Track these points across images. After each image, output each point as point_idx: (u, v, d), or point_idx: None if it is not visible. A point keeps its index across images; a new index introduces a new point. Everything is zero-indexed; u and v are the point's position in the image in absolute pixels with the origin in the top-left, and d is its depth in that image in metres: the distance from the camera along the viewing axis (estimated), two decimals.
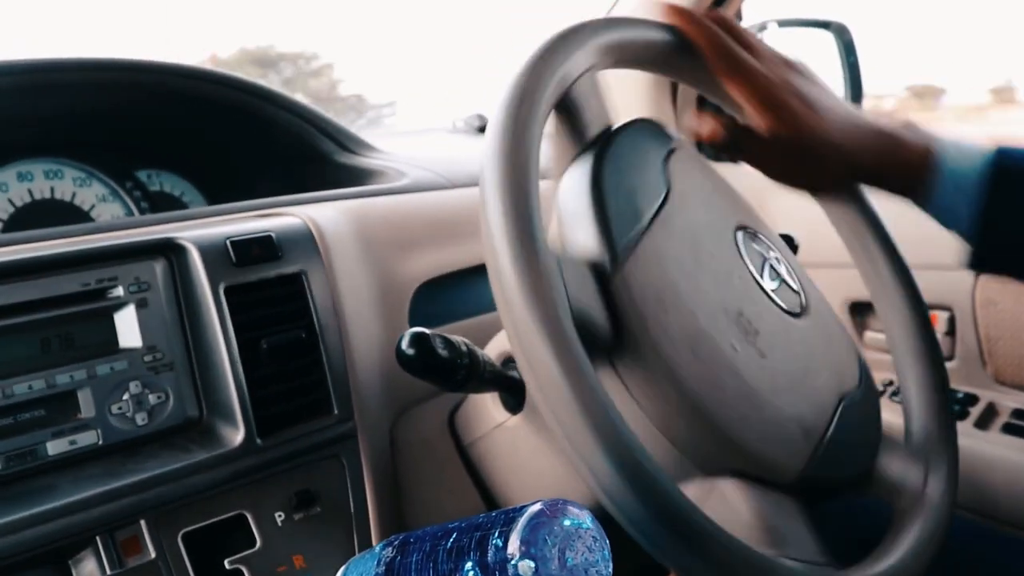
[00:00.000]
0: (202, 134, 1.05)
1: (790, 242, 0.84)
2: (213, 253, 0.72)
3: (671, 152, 0.67)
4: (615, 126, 0.65)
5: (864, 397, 0.68)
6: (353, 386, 0.76)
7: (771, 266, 0.67)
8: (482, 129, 1.37)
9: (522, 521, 0.43)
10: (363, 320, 0.79)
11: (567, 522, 0.44)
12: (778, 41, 1.43)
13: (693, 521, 0.48)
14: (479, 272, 0.90)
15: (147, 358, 0.70)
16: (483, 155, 0.53)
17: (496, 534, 0.44)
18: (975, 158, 0.66)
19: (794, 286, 0.69)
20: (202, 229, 0.74)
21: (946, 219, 0.68)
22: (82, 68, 0.90)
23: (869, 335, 1.26)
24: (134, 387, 0.69)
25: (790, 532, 0.57)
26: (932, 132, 0.68)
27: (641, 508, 0.47)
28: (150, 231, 0.74)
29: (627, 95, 1.37)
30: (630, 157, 0.63)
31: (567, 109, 0.61)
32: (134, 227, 0.76)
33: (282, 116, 1.01)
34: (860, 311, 1.26)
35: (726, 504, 0.58)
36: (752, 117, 0.66)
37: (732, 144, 0.68)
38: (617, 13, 1.34)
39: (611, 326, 0.56)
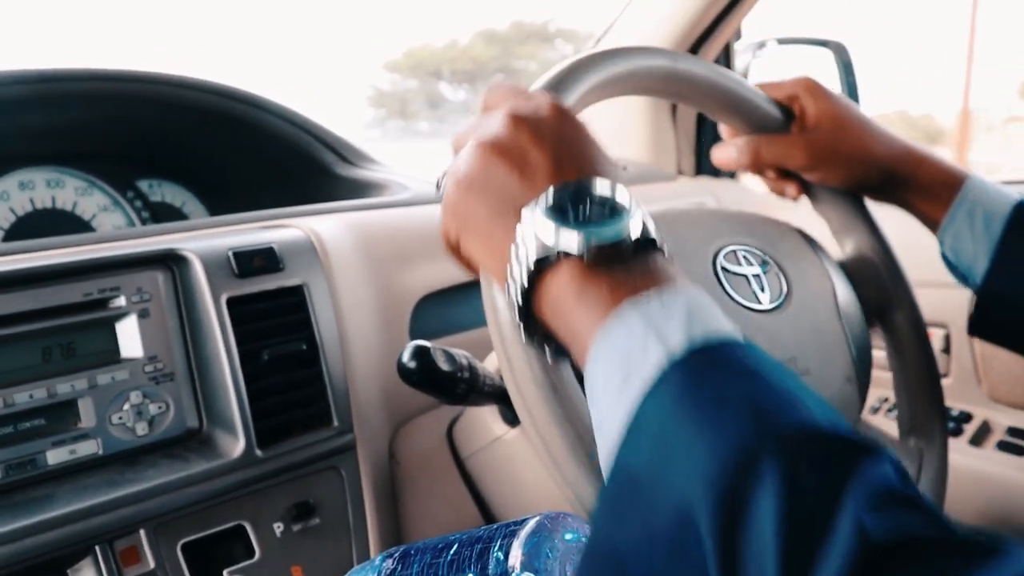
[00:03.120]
0: (204, 145, 1.05)
1: None
2: (215, 264, 0.72)
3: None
4: None
5: (849, 394, 0.68)
6: (353, 398, 0.76)
7: (754, 276, 0.66)
8: None
9: (523, 534, 0.44)
10: (364, 332, 0.79)
11: (568, 535, 0.44)
12: (777, 59, 1.44)
13: None
14: (479, 286, 0.90)
15: (148, 368, 0.70)
16: None
17: (497, 546, 0.44)
18: (1005, 201, 0.67)
19: (768, 275, 0.67)
20: (204, 240, 0.74)
21: (958, 254, 0.69)
22: (85, 79, 0.91)
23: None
24: (135, 397, 0.69)
25: None
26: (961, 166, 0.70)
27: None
28: (152, 241, 0.74)
29: (627, 114, 1.38)
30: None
31: None
32: (136, 237, 0.76)
33: (284, 128, 1.02)
34: None
35: None
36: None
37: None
38: (606, 46, 1.35)
39: None
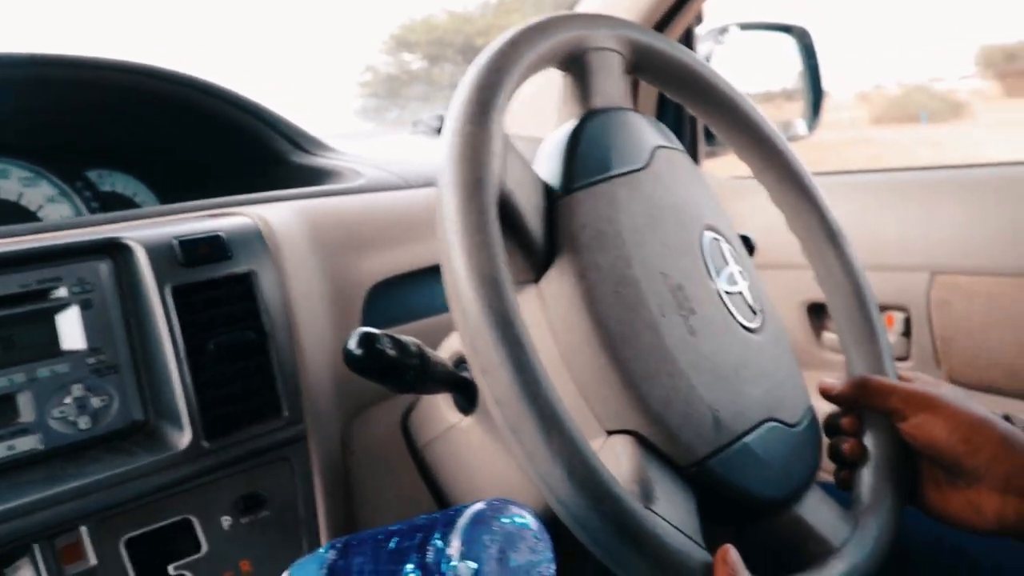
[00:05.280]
0: (155, 134, 1.03)
1: (747, 243, 0.84)
2: (160, 253, 0.70)
3: (666, 146, 0.68)
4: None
5: (801, 437, 0.65)
6: (304, 388, 0.75)
7: (731, 274, 0.66)
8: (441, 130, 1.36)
9: (462, 522, 0.43)
10: (315, 321, 0.78)
11: (508, 522, 0.43)
12: (739, 44, 1.44)
13: (645, 527, 0.48)
14: (434, 272, 0.89)
15: (90, 360, 0.68)
16: (440, 149, 0.54)
17: (437, 535, 0.44)
18: None
19: (752, 303, 0.67)
20: (150, 229, 0.72)
21: None
22: (27, 64, 0.88)
23: (827, 335, 1.27)
24: (77, 390, 0.67)
25: (666, 499, 0.54)
26: None
27: (584, 505, 0.47)
28: (96, 231, 0.72)
29: None
30: (622, 128, 0.65)
31: (579, 73, 0.64)
32: (80, 227, 0.74)
33: (236, 115, 1.00)
34: (818, 312, 1.26)
35: (613, 458, 0.55)
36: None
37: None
38: (583, 9, 1.34)
39: (544, 245, 0.58)
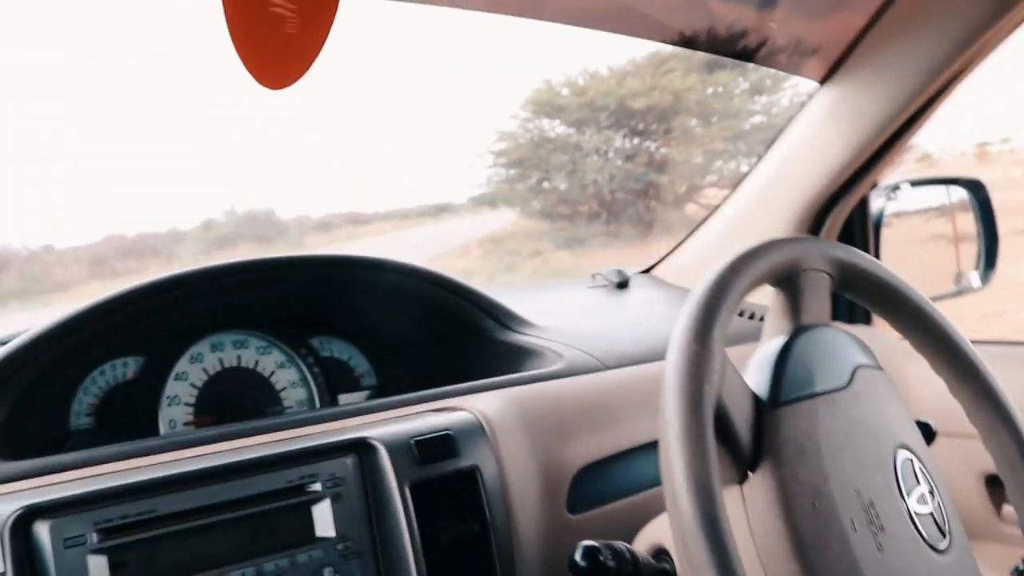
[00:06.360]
0: (369, 308, 1.15)
1: (927, 430, 0.87)
2: (399, 451, 0.80)
3: (866, 365, 0.74)
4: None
5: None
6: (519, 571, 0.82)
7: (922, 494, 0.69)
8: (621, 285, 1.43)
9: None
10: (528, 506, 0.85)
11: None
12: (911, 200, 1.46)
13: None
14: (632, 454, 0.96)
15: (339, 547, 0.77)
16: (667, 361, 0.61)
17: None
18: None
19: (941, 524, 0.70)
20: (387, 426, 0.82)
21: None
22: (271, 266, 1.03)
23: (1007, 509, 1.24)
24: (328, 574, 0.76)
25: None
26: None
27: None
28: (340, 427, 0.83)
29: None
30: (827, 347, 0.71)
31: (790, 291, 0.72)
32: (322, 421, 0.85)
33: (443, 295, 1.10)
34: (996, 484, 1.24)
35: None
36: None
37: None
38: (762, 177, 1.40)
39: (751, 452, 0.64)
